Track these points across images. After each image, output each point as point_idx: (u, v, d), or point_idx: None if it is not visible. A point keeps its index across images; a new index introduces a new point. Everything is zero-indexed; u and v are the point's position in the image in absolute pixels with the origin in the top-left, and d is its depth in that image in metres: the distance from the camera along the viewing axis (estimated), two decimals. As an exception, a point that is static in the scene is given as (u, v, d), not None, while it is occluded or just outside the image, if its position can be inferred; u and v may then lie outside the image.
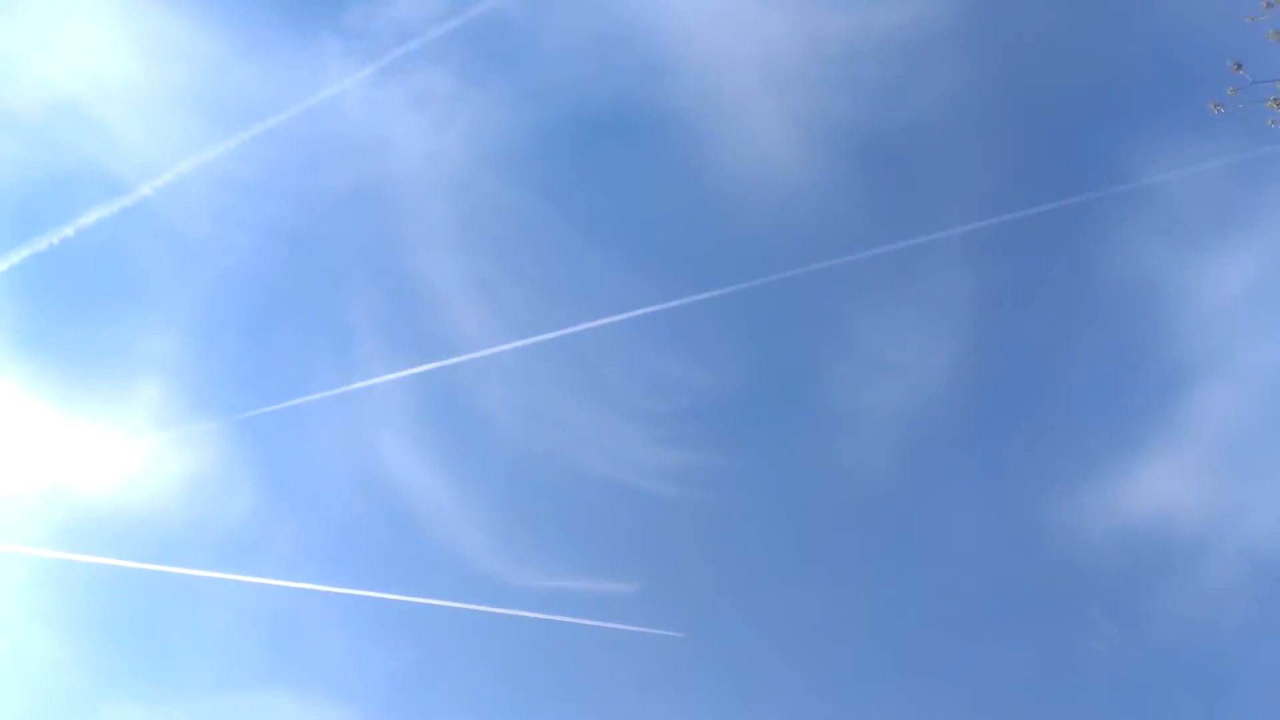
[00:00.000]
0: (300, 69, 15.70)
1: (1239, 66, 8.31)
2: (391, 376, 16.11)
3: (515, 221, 16.25)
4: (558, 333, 16.11)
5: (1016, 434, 17.02)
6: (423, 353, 16.01)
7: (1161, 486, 16.28)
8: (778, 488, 16.91)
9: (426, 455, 16.52)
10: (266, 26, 15.76)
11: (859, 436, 16.74)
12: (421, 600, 16.12)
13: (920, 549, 17.17)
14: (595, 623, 15.91)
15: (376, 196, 16.03)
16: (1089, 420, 16.82)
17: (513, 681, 16.55)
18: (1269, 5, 8.03)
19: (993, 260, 16.59)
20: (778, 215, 16.41)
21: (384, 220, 16.13)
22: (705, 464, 16.65)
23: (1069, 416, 16.87)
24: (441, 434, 16.56)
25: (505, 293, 16.20)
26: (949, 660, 16.54)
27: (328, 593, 16.13)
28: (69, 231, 14.98)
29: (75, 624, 15.83)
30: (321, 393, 15.91)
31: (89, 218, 14.99)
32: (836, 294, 16.73)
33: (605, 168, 16.54)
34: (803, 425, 16.99)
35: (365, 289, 16.26)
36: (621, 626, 15.65)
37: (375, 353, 16.15)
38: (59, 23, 15.35)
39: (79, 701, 15.57)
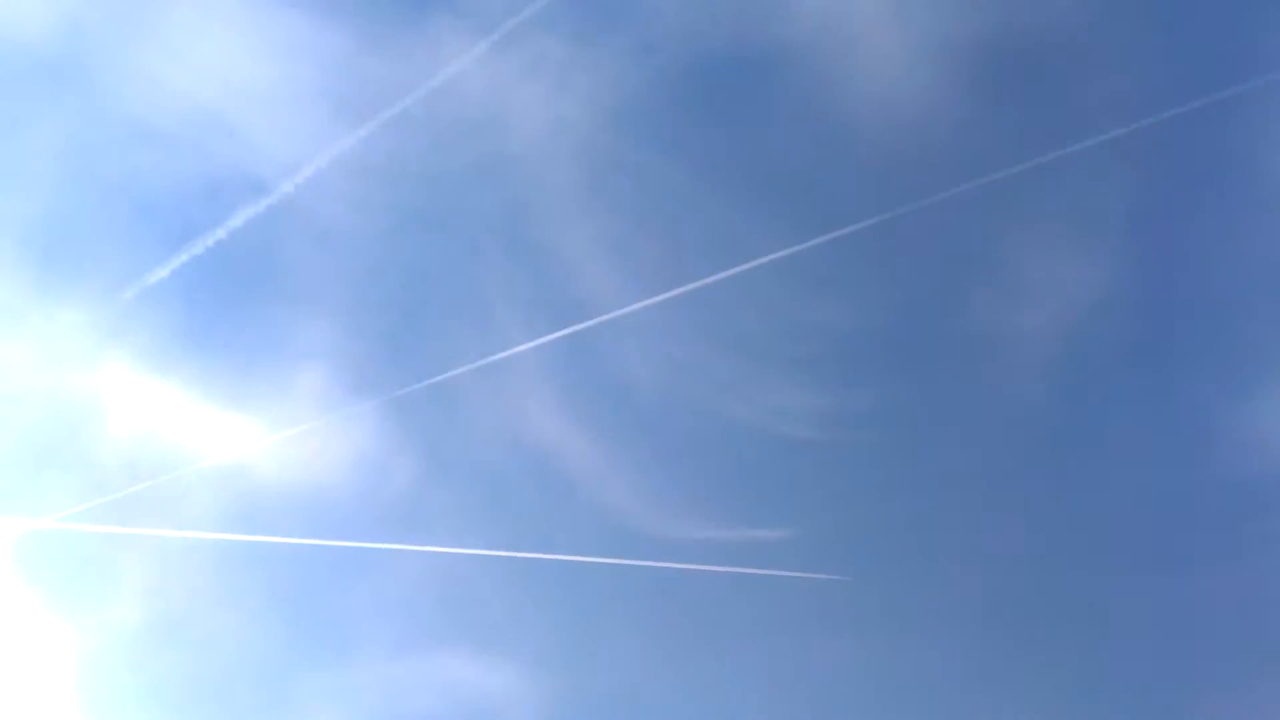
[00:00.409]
0: (418, 54, 16.13)
1: None
2: (532, 344, 16.46)
3: (640, 178, 16.31)
4: (691, 285, 16.12)
5: (1183, 347, 16.10)
6: (560, 318, 16.29)
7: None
8: (930, 421, 16.52)
9: (572, 417, 16.85)
10: (383, 16, 16.24)
11: (1013, 362, 16.15)
12: (580, 559, 16.51)
13: (1087, 475, 16.51)
14: (753, 571, 15.97)
15: (502, 169, 16.36)
16: (1261, 327, 15.77)
17: (673, 633, 16.80)
18: None
19: (1146, 164, 15.68)
20: (910, 141, 15.93)
21: (511, 192, 16.44)
22: (853, 403, 16.40)
23: (1239, 325, 15.86)
24: (585, 395, 16.85)
25: (636, 251, 16.30)
26: (1125, 587, 15.89)
27: (489, 556, 16.70)
28: (221, 234, 15.87)
29: (261, 601, 16.84)
30: (467, 365, 16.39)
31: (238, 219, 15.85)
32: (977, 217, 16.13)
33: (727, 113, 16.39)
34: (951, 355, 16.50)
35: (500, 261, 16.63)
36: (780, 573, 15.66)
37: (515, 322, 16.53)
38: (192, 37, 16.19)
39: (274, 673, 16.60)
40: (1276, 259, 15.79)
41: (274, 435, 16.36)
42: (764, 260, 16.06)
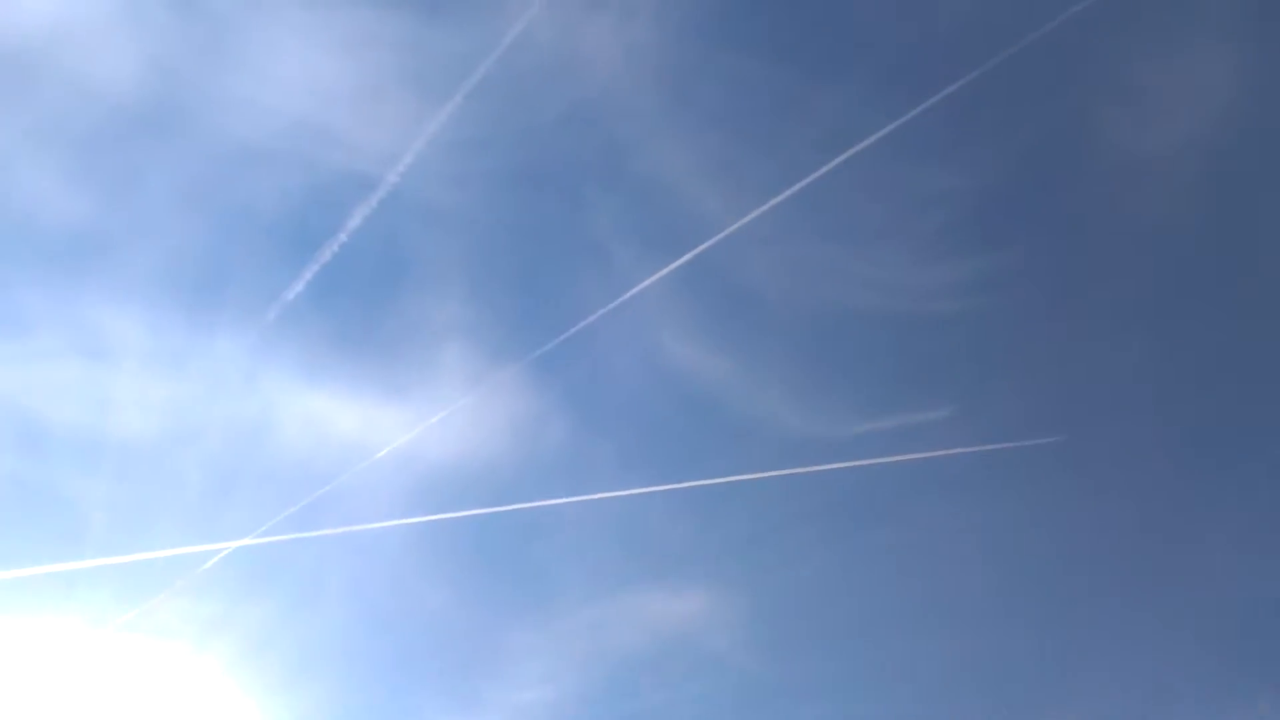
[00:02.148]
0: (482, 16, 16.08)
1: None
2: (655, 277, 16.44)
3: (726, 86, 15.95)
4: (801, 183, 15.76)
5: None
6: (678, 245, 16.20)
7: None
8: (1078, 267, 15.80)
9: (708, 339, 16.83)
10: (440, -12, 16.21)
11: (1153, 187, 15.24)
12: (746, 477, 16.59)
13: (1258, 291, 15.55)
14: (923, 455, 15.74)
15: (590, 110, 16.25)
16: None
17: (856, 533, 16.77)
18: None
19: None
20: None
21: (604, 131, 16.34)
22: (992, 265, 15.84)
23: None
24: (718, 315, 16.79)
25: (738, 160, 16.02)
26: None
27: (658, 492, 16.97)
28: (343, 237, 16.32)
29: (454, 574, 17.59)
30: (597, 312, 16.51)
31: (355, 219, 16.25)
32: (1081, 48, 15.16)
33: (802, -1, 15.83)
34: (1085, 194, 15.68)
35: (607, 202, 16.62)
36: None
37: (634, 260, 16.54)
38: (268, 52, 16.51)
39: (481, 636, 17.38)
40: None
41: (432, 417, 16.90)
42: (870, 140, 15.55)
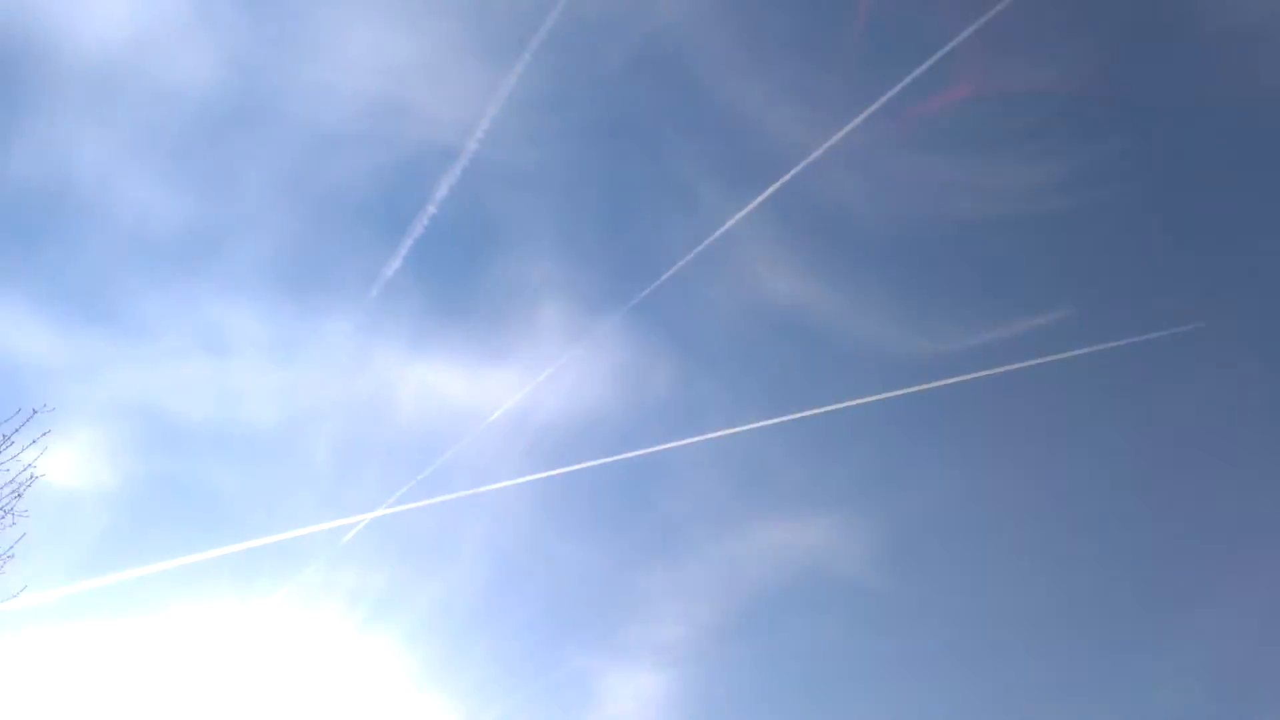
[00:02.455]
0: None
1: None
2: (743, 212, 16.28)
3: (795, 9, 15.56)
4: (884, 98, 15.32)
5: None
6: (762, 178, 15.98)
7: None
8: (1182, 152, 15.03)
9: (806, 266, 16.66)
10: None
11: (1258, 58, 14.29)
12: (862, 400, 16.46)
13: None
14: (1047, 359, 15.32)
15: (662, 50, 16.05)
16: None
17: (976, 445, 16.57)
18: None
19: None
20: None
21: (678, 70, 16.14)
22: (1093, 160, 15.20)
23: None
24: (811, 241, 16.59)
25: (818, 85, 15.67)
26: None
27: (772, 425, 16.98)
28: (432, 209, 16.55)
29: (582, 524, 18.01)
30: (688, 254, 16.48)
31: (442, 190, 16.45)
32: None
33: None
34: (1184, 74, 14.84)
35: (685, 143, 16.47)
36: (1085, 351, 14.86)
37: (721, 198, 16.39)
38: (337, 36, 16.69)
39: (619, 583, 17.81)
40: None
41: (539, 375, 17.17)
42: (948, 47, 14.99)
